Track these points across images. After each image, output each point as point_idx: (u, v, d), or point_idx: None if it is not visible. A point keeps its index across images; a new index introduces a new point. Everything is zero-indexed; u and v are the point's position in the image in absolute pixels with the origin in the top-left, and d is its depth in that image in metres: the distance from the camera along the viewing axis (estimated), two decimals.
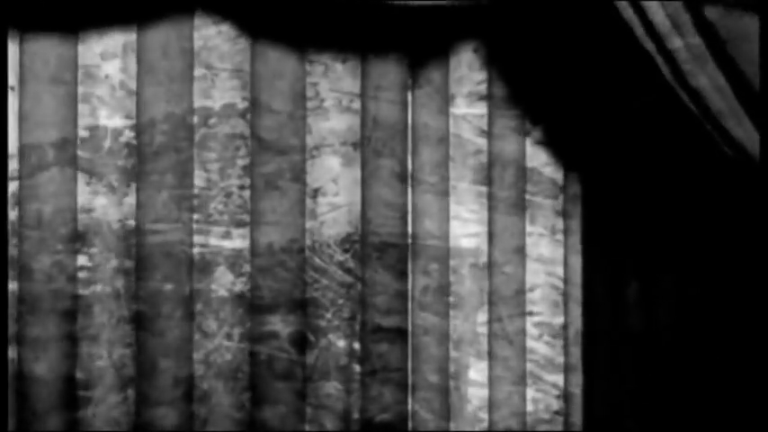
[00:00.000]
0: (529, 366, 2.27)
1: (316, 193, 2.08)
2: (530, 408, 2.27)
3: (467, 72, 2.19)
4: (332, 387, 2.07)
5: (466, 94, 2.20)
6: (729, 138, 1.92)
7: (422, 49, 2.18)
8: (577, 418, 2.32)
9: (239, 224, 1.94)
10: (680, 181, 2.37)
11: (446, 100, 2.18)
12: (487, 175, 2.24)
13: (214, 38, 1.91)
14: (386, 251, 2.16)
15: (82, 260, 1.85)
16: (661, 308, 2.41)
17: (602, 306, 2.39)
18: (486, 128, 2.23)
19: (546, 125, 2.29)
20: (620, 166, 2.37)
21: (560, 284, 2.31)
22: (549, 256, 2.30)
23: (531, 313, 2.29)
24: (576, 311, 2.34)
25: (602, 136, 2.34)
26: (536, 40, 2.24)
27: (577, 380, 2.33)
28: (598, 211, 2.40)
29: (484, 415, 2.19)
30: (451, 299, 2.20)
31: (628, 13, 1.89)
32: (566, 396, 2.33)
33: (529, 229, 2.29)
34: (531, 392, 2.27)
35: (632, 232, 2.40)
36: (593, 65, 2.26)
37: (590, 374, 2.37)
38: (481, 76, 2.20)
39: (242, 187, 1.94)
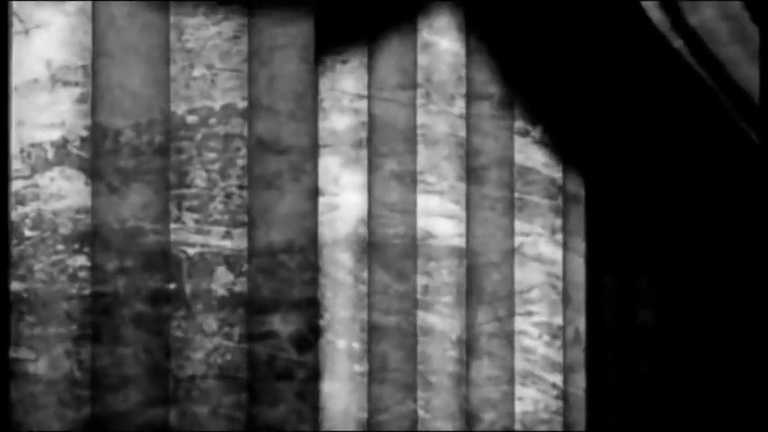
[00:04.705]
0: (528, 366, 2.28)
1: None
2: (529, 408, 2.27)
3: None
4: (332, 387, 2.07)
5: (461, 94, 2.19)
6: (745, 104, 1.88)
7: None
8: (580, 417, 2.33)
9: (239, 224, 1.94)
10: (688, 174, 2.37)
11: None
12: (484, 175, 2.24)
13: None
14: (385, 251, 2.16)
15: (82, 260, 1.85)
16: (670, 305, 2.41)
17: (608, 304, 2.39)
18: (473, 124, 2.23)
19: (543, 123, 2.29)
20: (623, 161, 2.37)
21: (559, 284, 2.32)
22: (548, 257, 2.30)
23: (529, 313, 2.29)
24: (577, 310, 2.34)
25: (602, 132, 2.34)
26: (529, 29, 2.23)
27: (579, 379, 2.33)
28: (601, 210, 2.40)
29: (484, 415, 2.20)
30: (450, 298, 2.20)
31: None
32: (565, 396, 2.33)
33: (527, 228, 2.29)
34: (530, 392, 2.28)
35: (639, 229, 2.40)
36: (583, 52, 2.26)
37: (593, 374, 2.37)
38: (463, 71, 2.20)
39: (242, 187, 1.94)
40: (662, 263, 2.42)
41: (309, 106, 1.97)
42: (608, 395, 2.38)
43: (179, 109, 1.89)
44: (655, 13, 1.85)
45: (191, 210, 1.90)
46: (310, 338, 2.05)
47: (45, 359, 1.82)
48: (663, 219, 2.41)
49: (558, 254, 2.27)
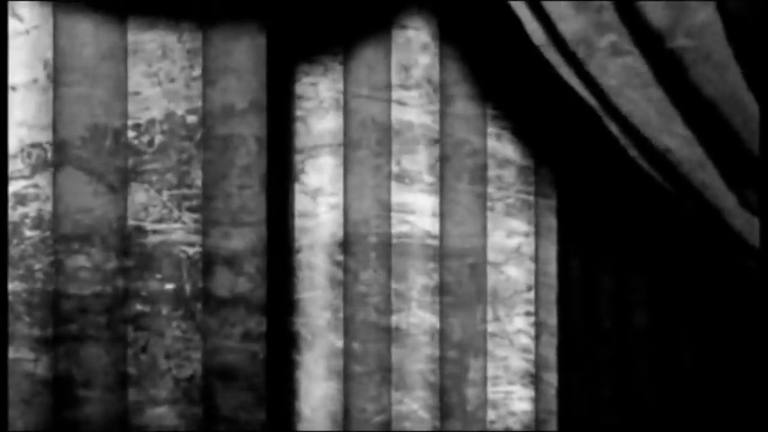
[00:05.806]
0: (526, 366, 2.29)
1: (314, 193, 2.08)
2: (529, 407, 2.28)
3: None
4: (330, 387, 2.07)
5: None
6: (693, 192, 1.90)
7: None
8: (552, 416, 2.34)
9: (239, 224, 1.94)
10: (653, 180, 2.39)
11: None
12: (483, 176, 2.25)
13: None
14: (383, 251, 2.16)
15: (81, 260, 1.84)
16: (635, 305, 2.43)
17: (577, 303, 2.40)
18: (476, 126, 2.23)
19: (519, 122, 2.30)
20: (596, 164, 2.38)
21: (551, 282, 2.33)
22: (542, 257, 2.31)
23: (528, 313, 2.30)
24: (552, 309, 2.36)
25: (576, 135, 2.35)
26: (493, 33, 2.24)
27: (552, 378, 2.35)
28: (573, 211, 2.42)
29: (483, 415, 2.20)
30: (449, 298, 2.21)
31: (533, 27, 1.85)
32: (538, 392, 2.34)
33: (525, 228, 2.30)
34: (529, 392, 2.29)
35: (606, 230, 2.42)
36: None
37: (566, 372, 2.38)
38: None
39: (242, 187, 1.95)
40: (625, 260, 2.44)
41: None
42: (578, 392, 2.39)
43: (179, 109, 1.89)
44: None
45: (191, 210, 1.90)
46: (309, 338, 2.05)
47: (45, 359, 1.82)
48: (631, 215, 2.43)
49: (549, 252, 2.29)
